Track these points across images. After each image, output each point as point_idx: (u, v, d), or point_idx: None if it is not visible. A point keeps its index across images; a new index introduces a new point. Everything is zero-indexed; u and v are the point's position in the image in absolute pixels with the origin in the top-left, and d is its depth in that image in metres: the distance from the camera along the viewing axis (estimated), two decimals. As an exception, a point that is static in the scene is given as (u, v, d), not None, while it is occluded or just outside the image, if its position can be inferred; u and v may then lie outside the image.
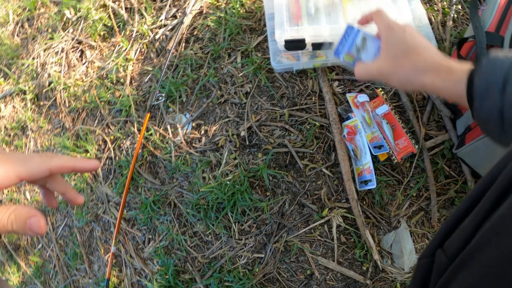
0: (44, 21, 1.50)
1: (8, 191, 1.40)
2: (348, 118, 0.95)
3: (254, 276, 0.93)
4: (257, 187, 0.98)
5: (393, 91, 0.99)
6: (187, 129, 1.08)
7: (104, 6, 1.34)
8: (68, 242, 1.23)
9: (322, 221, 0.93)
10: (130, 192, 1.10)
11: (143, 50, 1.24)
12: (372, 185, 0.89)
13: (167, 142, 1.09)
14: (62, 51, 1.38)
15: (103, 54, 1.31)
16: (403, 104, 0.98)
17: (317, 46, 0.88)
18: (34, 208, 0.35)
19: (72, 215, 1.23)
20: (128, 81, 1.21)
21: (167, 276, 0.99)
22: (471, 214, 0.36)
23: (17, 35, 1.57)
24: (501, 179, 0.33)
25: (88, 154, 1.20)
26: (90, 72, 1.31)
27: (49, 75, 1.38)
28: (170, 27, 1.21)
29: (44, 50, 1.43)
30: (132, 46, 1.25)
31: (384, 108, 0.94)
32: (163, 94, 1.10)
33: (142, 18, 1.27)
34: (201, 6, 1.18)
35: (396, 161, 0.92)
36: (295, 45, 0.87)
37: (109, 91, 1.23)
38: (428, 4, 1.08)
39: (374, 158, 0.92)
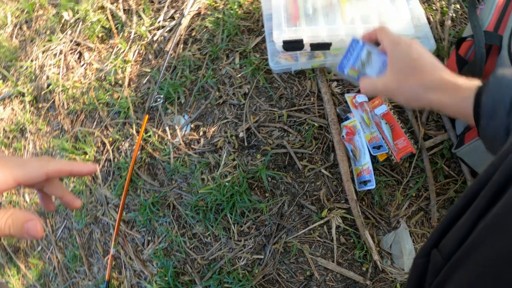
0: (43, 23, 1.50)
1: (8, 194, 1.40)
2: (347, 118, 0.95)
3: (253, 278, 0.93)
4: (256, 188, 0.97)
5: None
6: (185, 131, 1.08)
7: (102, 8, 1.34)
8: (68, 244, 1.23)
9: (322, 222, 0.93)
10: (129, 194, 1.10)
11: (141, 51, 1.24)
12: (371, 186, 0.88)
13: (165, 144, 1.09)
14: (61, 53, 1.38)
15: (101, 56, 1.31)
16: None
17: (315, 46, 0.87)
18: (31, 212, 0.35)
19: (72, 217, 1.23)
20: (126, 83, 1.20)
21: (166, 278, 0.99)
22: (466, 213, 0.36)
23: (16, 37, 1.57)
24: (496, 178, 0.33)
25: (87, 156, 1.20)
26: (88, 74, 1.31)
27: (47, 77, 1.38)
28: (168, 28, 1.21)
29: (43, 52, 1.43)
30: (130, 47, 1.25)
31: (383, 108, 0.94)
32: (162, 96, 1.10)
33: (140, 19, 1.27)
34: (199, 7, 1.18)
35: (395, 161, 0.92)
36: (293, 45, 0.87)
37: (108, 93, 1.23)
38: (426, 4, 1.07)
39: (373, 159, 0.92)
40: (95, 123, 1.23)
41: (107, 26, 1.31)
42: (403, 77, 0.50)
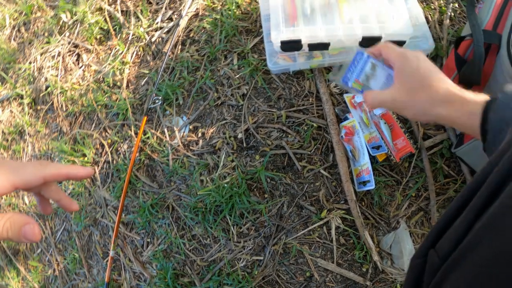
0: (41, 25, 1.50)
1: (7, 196, 1.40)
2: (346, 118, 0.95)
3: (253, 279, 0.92)
4: (255, 190, 0.97)
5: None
6: (184, 132, 1.08)
7: (100, 9, 1.34)
8: (67, 247, 1.22)
9: (321, 222, 0.92)
10: (128, 196, 1.09)
11: (139, 53, 1.24)
12: (371, 186, 0.88)
13: (164, 145, 1.08)
14: (59, 55, 1.38)
15: (99, 57, 1.31)
16: (401, 104, 0.97)
17: (313, 47, 0.87)
18: (28, 216, 0.36)
19: (71, 220, 1.22)
20: (124, 85, 1.20)
21: (166, 280, 0.99)
22: (463, 213, 0.36)
23: (14, 39, 1.57)
24: (492, 178, 0.33)
25: (86, 158, 1.19)
26: (86, 75, 1.31)
27: (46, 79, 1.38)
28: (166, 29, 1.20)
29: (41, 54, 1.43)
30: (128, 49, 1.24)
31: (382, 108, 0.94)
32: (160, 97, 1.10)
33: (138, 21, 1.26)
34: (197, 8, 1.18)
35: (394, 161, 0.91)
36: (291, 46, 0.87)
37: (106, 95, 1.22)
38: (424, 3, 1.07)
39: (373, 159, 0.92)
40: (93, 125, 1.23)
41: (105, 28, 1.31)
42: (412, 92, 0.50)
